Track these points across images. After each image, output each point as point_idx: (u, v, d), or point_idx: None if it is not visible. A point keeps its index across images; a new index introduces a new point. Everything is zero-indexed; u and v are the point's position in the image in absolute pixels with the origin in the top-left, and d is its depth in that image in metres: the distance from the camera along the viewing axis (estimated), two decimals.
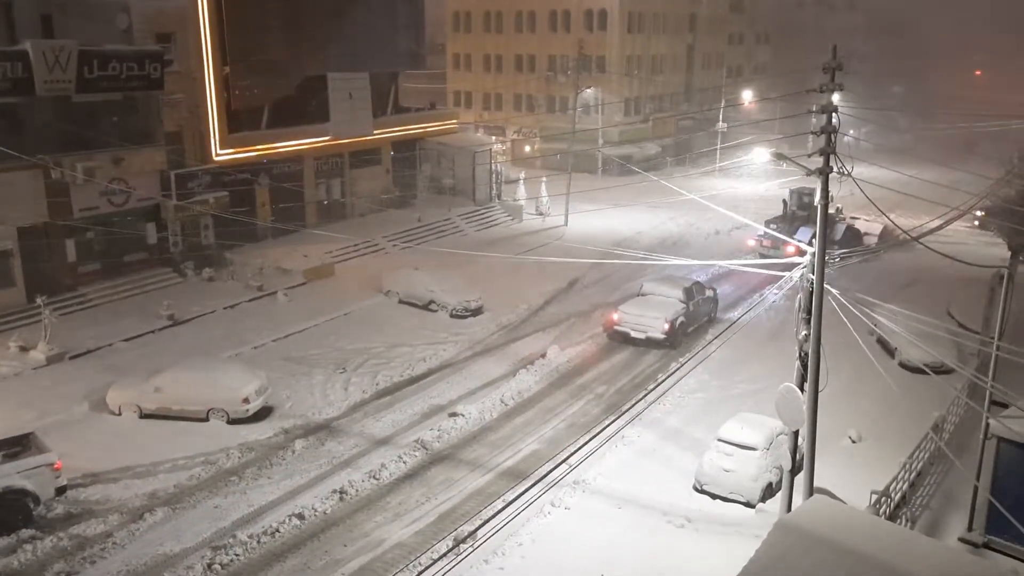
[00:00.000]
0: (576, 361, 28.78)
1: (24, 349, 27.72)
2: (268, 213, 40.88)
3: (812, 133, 17.97)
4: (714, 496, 20.16)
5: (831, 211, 39.53)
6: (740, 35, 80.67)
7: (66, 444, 21.40)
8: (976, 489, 18.21)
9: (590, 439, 22.81)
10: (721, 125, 64.32)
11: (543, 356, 28.78)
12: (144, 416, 23.78)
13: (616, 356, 29.39)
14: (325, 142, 43.31)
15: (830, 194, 16.24)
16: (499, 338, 30.98)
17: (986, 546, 18.11)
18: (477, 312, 33.04)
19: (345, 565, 17.66)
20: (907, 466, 19.89)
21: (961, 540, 18.36)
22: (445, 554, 17.76)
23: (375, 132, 46.14)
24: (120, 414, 23.94)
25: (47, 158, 30.36)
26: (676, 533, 18.83)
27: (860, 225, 43.44)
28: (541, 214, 49.03)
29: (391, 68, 48.32)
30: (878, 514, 17.46)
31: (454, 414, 24.47)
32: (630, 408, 24.35)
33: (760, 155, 60.28)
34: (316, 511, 19.49)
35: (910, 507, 19.56)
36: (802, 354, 16.57)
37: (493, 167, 51.90)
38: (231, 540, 18.25)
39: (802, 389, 16.53)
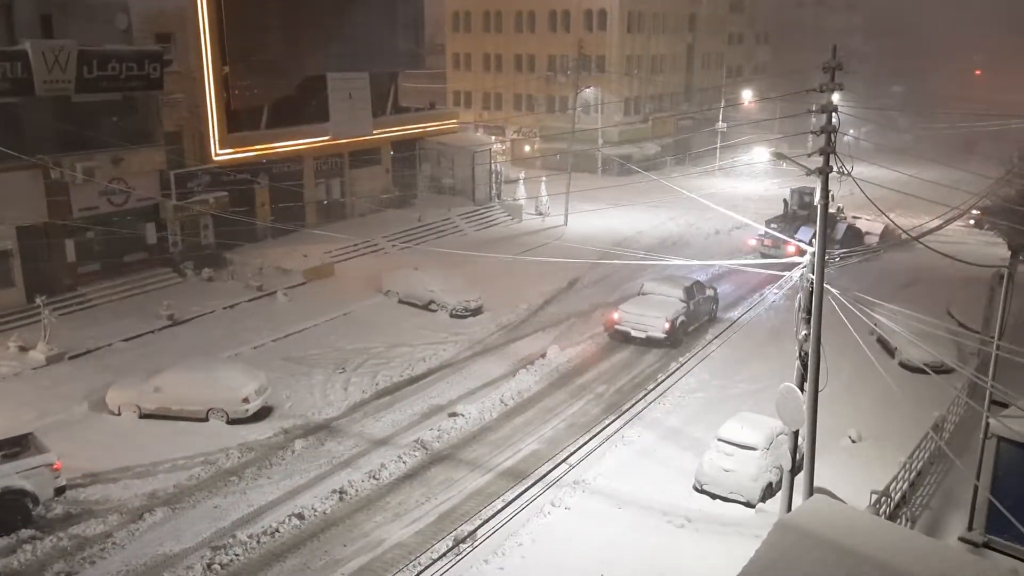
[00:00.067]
0: (576, 361, 28.77)
1: (24, 349, 27.71)
2: (268, 213, 40.87)
3: (812, 133, 17.99)
4: (714, 496, 20.15)
5: (832, 211, 39.72)
6: (740, 35, 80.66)
7: (66, 444, 21.38)
8: (976, 489, 18.20)
9: (590, 439, 22.77)
10: (721, 125, 64.32)
11: (543, 356, 28.77)
12: (144, 416, 23.78)
13: (616, 356, 29.38)
14: (325, 142, 43.30)
15: (831, 194, 16.23)
16: (499, 338, 30.97)
17: (986, 546, 18.10)
18: (477, 312, 33.03)
19: (345, 565, 17.65)
20: (907, 466, 19.88)
21: (961, 540, 18.35)
22: (445, 554, 17.73)
23: (375, 132, 46.13)
24: (120, 414, 23.94)
25: (47, 158, 30.36)
26: (676, 533, 18.83)
27: (861, 225, 43.44)
28: (541, 214, 49.01)
29: (391, 68, 48.31)
30: (878, 514, 17.45)
31: (454, 414, 24.46)
32: (630, 408, 24.32)
33: (760, 155, 60.27)
34: (316, 511, 19.48)
35: (910, 507, 19.55)
36: (802, 354, 16.56)
37: (493, 167, 51.90)
38: (231, 540, 18.24)
39: (802, 389, 16.52)
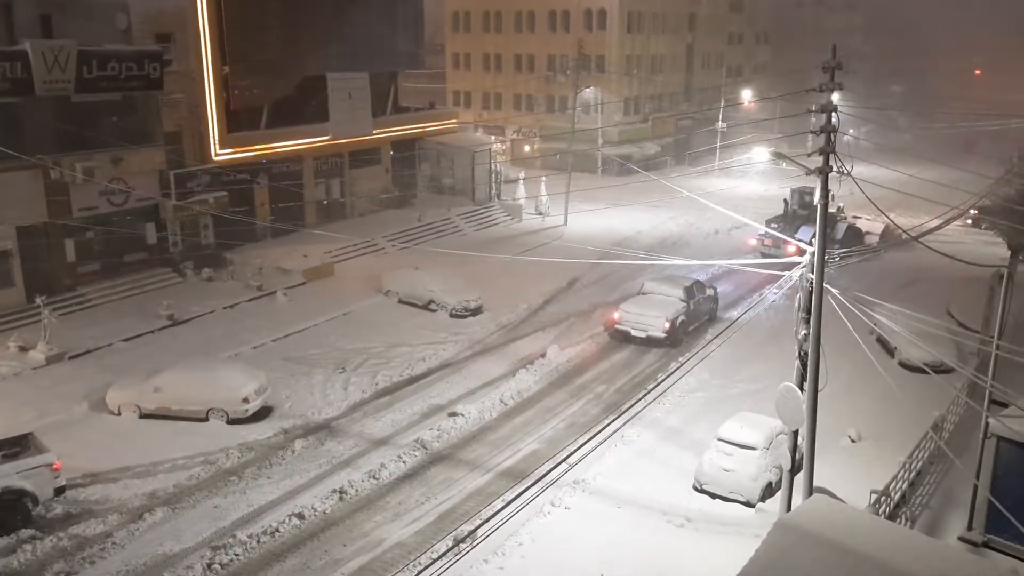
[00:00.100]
0: (576, 361, 28.77)
1: (23, 349, 27.72)
2: (267, 213, 40.87)
3: (812, 132, 17.98)
4: (714, 496, 20.16)
5: (832, 210, 39.77)
6: (740, 35, 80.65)
7: (65, 444, 21.39)
8: (976, 488, 18.21)
9: (590, 439, 22.78)
10: (721, 125, 64.32)
11: (543, 356, 28.77)
12: (144, 416, 23.78)
13: (616, 355, 29.38)
14: (324, 142, 43.30)
15: (831, 193, 16.21)
16: (499, 338, 30.97)
17: (986, 545, 18.11)
18: (477, 312, 33.03)
19: (345, 565, 17.66)
20: (907, 465, 19.88)
21: (961, 539, 18.35)
22: (445, 554, 17.73)
23: (374, 132, 46.13)
24: (120, 414, 23.94)
25: (46, 158, 30.35)
26: (676, 533, 18.83)
27: (862, 224, 43.46)
28: (541, 214, 49.01)
29: (390, 68, 48.32)
30: (878, 513, 17.46)
31: (454, 414, 24.47)
32: (630, 407, 24.31)
33: (760, 154, 60.27)
34: (316, 511, 19.48)
35: (910, 506, 19.56)
36: (802, 353, 16.56)
37: (492, 167, 51.90)
38: (231, 540, 18.24)
39: (802, 388, 16.51)
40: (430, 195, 50.25)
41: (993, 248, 36.50)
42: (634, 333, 29.75)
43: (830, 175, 15.79)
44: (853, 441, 22.75)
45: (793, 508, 16.37)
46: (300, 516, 19.22)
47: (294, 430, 23.46)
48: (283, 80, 41.52)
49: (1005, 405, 18.49)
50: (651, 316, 29.56)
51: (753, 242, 41.78)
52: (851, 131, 45.33)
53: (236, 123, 39.29)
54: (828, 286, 16.31)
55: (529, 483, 20.46)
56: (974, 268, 23.23)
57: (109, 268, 34.37)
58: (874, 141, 52.83)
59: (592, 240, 42.08)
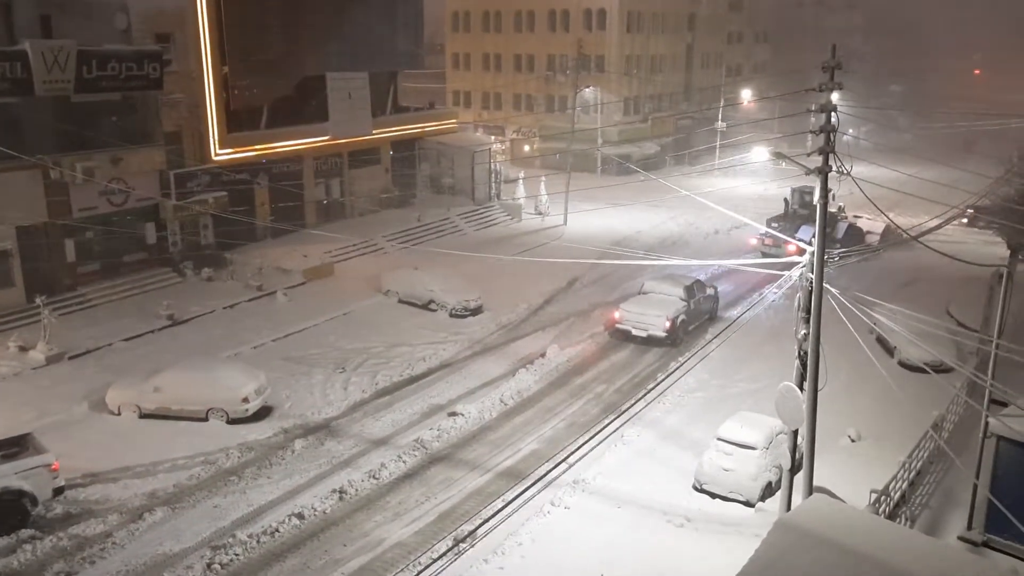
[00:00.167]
0: (576, 360, 28.77)
1: (23, 349, 27.72)
2: (267, 213, 40.88)
3: (811, 132, 17.98)
4: (714, 495, 20.16)
5: (833, 210, 39.79)
6: (739, 34, 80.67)
7: (65, 444, 21.40)
8: (975, 488, 18.21)
9: (590, 438, 22.80)
10: (720, 124, 64.34)
11: (543, 355, 28.77)
12: (143, 416, 23.78)
13: (616, 355, 29.38)
14: (324, 142, 43.30)
15: (832, 193, 16.21)
16: (499, 337, 30.98)
17: (985, 545, 18.11)
18: (476, 311, 33.04)
19: (345, 565, 17.66)
20: (906, 465, 19.87)
21: (960, 539, 18.36)
22: (445, 553, 17.75)
23: (374, 132, 46.14)
24: (119, 414, 23.94)
25: (46, 158, 30.35)
26: (676, 532, 18.83)
27: (863, 224, 43.46)
28: (540, 213, 49.03)
29: (390, 68, 48.32)
30: (877, 513, 17.46)
31: (453, 414, 24.47)
32: (630, 407, 24.34)
33: (759, 154, 60.27)
34: (316, 511, 19.48)
35: (909, 506, 19.56)
36: (801, 353, 16.56)
37: (492, 166, 51.91)
38: (231, 540, 18.24)
39: (801, 388, 16.52)
40: (430, 195, 50.26)
41: (993, 248, 36.51)
42: (635, 332, 29.76)
43: (830, 175, 15.79)
44: (853, 441, 22.75)
45: (793, 508, 16.37)
46: (300, 516, 19.22)
47: (294, 430, 23.46)
48: (283, 80, 41.53)
49: (1005, 404, 18.49)
50: (652, 315, 29.57)
51: (753, 241, 41.80)
52: (851, 131, 45.37)
53: (236, 123, 39.29)
54: (828, 286, 16.31)
55: (529, 483, 20.51)
56: (974, 268, 23.22)
57: (109, 268, 34.38)
58: (874, 141, 52.85)
59: (592, 240, 42.09)
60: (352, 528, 18.98)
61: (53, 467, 18.98)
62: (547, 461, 21.60)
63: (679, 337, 29.80)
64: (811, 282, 16.06)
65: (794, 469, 17.71)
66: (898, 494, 19.22)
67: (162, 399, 23.58)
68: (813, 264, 15.97)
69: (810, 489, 16.73)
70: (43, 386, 25.79)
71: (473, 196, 50.02)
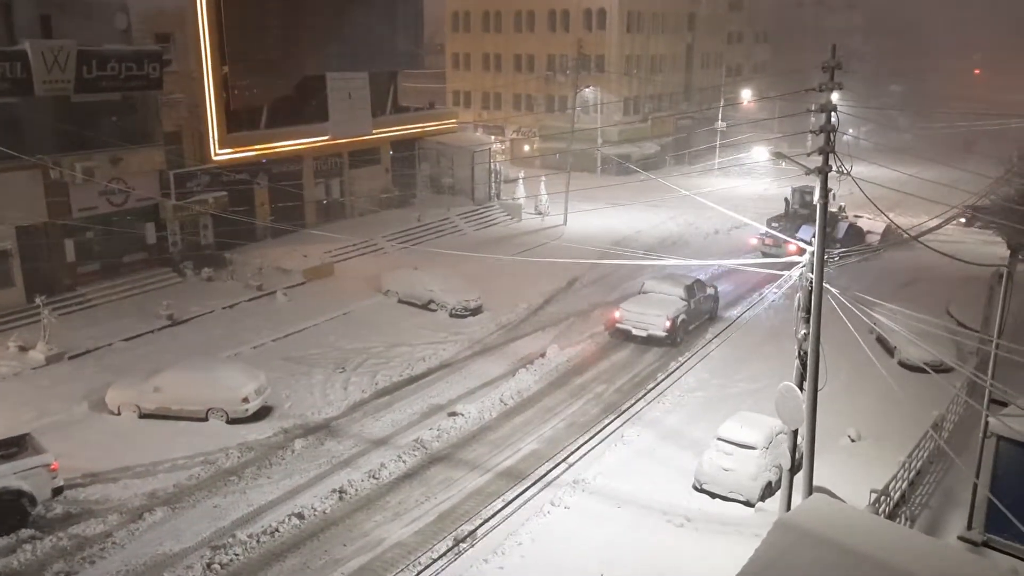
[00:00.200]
0: (575, 360, 28.77)
1: (23, 349, 27.71)
2: (267, 213, 40.88)
3: (811, 132, 17.98)
4: (713, 495, 20.16)
5: (834, 210, 39.80)
6: (739, 34, 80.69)
7: (65, 444, 21.41)
8: (975, 487, 18.20)
9: (589, 438, 22.79)
10: (720, 124, 64.37)
11: (542, 355, 28.77)
12: (143, 416, 23.78)
13: (615, 355, 29.38)
14: (324, 142, 43.30)
15: (832, 193, 16.20)
16: (498, 337, 30.98)
17: (985, 544, 18.11)
18: (476, 311, 33.04)
19: (345, 564, 17.66)
20: (906, 465, 19.87)
21: (960, 539, 18.35)
22: (445, 553, 17.75)
23: (374, 132, 46.14)
24: (119, 414, 23.93)
25: (46, 158, 30.35)
26: (676, 532, 18.83)
27: (863, 224, 43.47)
28: (540, 213, 49.03)
29: (390, 68, 48.32)
30: (877, 513, 17.45)
31: (453, 414, 24.47)
32: (630, 407, 24.33)
33: (759, 154, 60.28)
34: (315, 511, 19.48)
35: (909, 506, 19.55)
36: (801, 353, 16.56)
37: (492, 166, 51.91)
38: (230, 540, 18.24)
39: (801, 388, 16.51)
40: (430, 195, 50.25)
41: (992, 248, 36.51)
42: (635, 332, 29.77)
43: (830, 174, 15.79)
44: (853, 440, 22.75)
45: (793, 507, 16.37)
46: (300, 516, 19.22)
47: (294, 430, 23.46)
48: (283, 80, 41.52)
49: (1005, 404, 18.48)
50: (652, 315, 29.58)
51: (754, 241, 41.81)
52: (851, 131, 45.35)
53: (236, 123, 39.29)
54: (828, 285, 16.31)
55: (529, 483, 20.50)
56: (974, 267, 23.23)
57: (109, 268, 34.38)
58: (874, 141, 52.85)
59: (592, 240, 42.09)
60: (352, 528, 18.98)
61: (52, 467, 18.98)
62: (547, 461, 21.60)
63: (679, 337, 29.80)
64: (811, 282, 16.06)
65: (794, 469, 17.71)
66: (898, 494, 19.21)
67: (162, 399, 23.58)
68: (813, 264, 15.97)
69: (810, 489, 16.73)
70: (43, 386, 25.79)
71: (473, 196, 50.02)
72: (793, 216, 42.54)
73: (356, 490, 20.37)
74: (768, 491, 19.96)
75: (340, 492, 20.19)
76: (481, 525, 18.74)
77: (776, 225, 40.48)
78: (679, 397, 25.58)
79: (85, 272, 33.61)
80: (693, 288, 31.12)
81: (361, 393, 25.86)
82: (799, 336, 16.47)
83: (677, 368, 26.17)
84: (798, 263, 16.70)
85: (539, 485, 20.38)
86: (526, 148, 66.90)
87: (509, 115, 68.78)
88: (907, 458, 20.04)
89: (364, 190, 46.38)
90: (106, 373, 26.18)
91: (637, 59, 66.34)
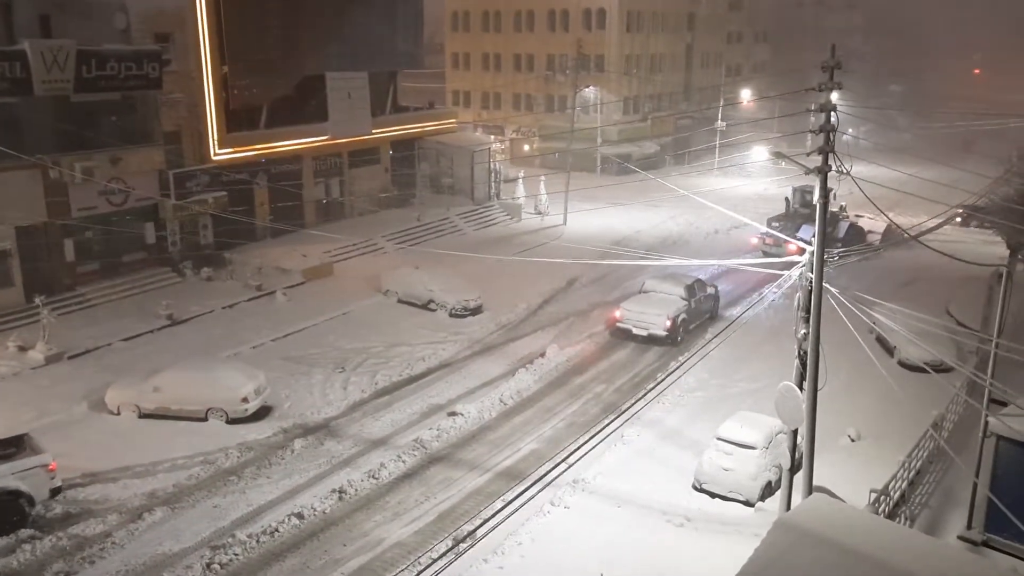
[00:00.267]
0: (575, 360, 28.76)
1: (23, 349, 27.70)
2: (267, 213, 40.87)
3: (811, 131, 17.98)
4: (713, 495, 20.15)
5: (835, 209, 39.80)
6: (739, 34, 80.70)
7: (65, 444, 21.41)
8: (975, 487, 18.20)
9: (589, 438, 22.78)
10: (720, 124, 64.38)
11: (542, 355, 28.76)
12: (143, 416, 23.76)
13: (615, 355, 29.38)
14: (324, 142, 43.29)
15: (833, 192, 16.20)
16: (498, 337, 30.97)
17: (985, 544, 18.11)
18: (476, 311, 33.03)
19: (344, 564, 17.65)
20: (906, 464, 19.86)
21: (960, 538, 18.35)
22: (444, 553, 17.74)
23: (374, 131, 46.13)
24: (119, 414, 23.92)
25: (45, 158, 30.33)
26: (675, 532, 18.82)
27: (864, 223, 43.46)
28: (540, 213, 49.02)
29: (390, 67, 48.30)
30: (877, 512, 17.45)
31: (453, 413, 24.46)
32: (629, 407, 24.32)
33: (759, 153, 60.28)
34: (315, 510, 19.47)
35: (909, 505, 19.55)
36: (801, 353, 16.55)
37: (492, 166, 51.89)
38: (230, 540, 18.23)
39: (801, 388, 16.51)
40: (429, 195, 50.23)
41: (992, 247, 36.52)
42: (635, 331, 29.77)
43: (829, 174, 15.78)
44: (852, 440, 22.75)
45: (792, 507, 16.37)
46: (299, 516, 19.21)
47: (293, 430, 23.45)
48: (282, 80, 41.48)
49: (1004, 404, 18.49)
50: (652, 314, 29.58)
51: (755, 241, 41.82)
52: (850, 130, 45.35)
53: (235, 123, 39.27)
54: (827, 285, 16.30)
55: (529, 483, 20.49)
56: (973, 267, 23.23)
57: (108, 268, 34.36)
58: (873, 140, 52.84)
59: (591, 239, 42.09)
60: (352, 528, 18.97)
61: (50, 467, 18.96)
62: (547, 461, 21.59)
63: (680, 336, 29.80)
64: (811, 281, 16.05)
65: (794, 469, 17.71)
66: (898, 493, 19.21)
67: (161, 399, 23.56)
68: (813, 263, 15.97)
69: (810, 489, 16.73)
70: (42, 386, 25.77)
71: (472, 196, 50.00)
72: (794, 216, 42.54)
73: (356, 490, 20.36)
74: (768, 491, 19.96)
75: (340, 492, 20.18)
76: (481, 525, 18.73)
77: (777, 225, 40.49)
78: (679, 397, 25.57)
79: (84, 272, 33.59)
80: (694, 287, 31.13)
81: (361, 393, 25.85)
82: (799, 336, 16.47)
83: (677, 368, 26.16)
84: (798, 263, 16.69)
85: (539, 485, 20.37)
86: (526, 148, 66.90)
87: (509, 115, 68.77)
88: (907, 458, 20.04)
89: (364, 190, 46.36)
90: (106, 373, 26.16)
91: (637, 59, 66.34)
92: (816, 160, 15.83)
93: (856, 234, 42.08)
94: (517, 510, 19.43)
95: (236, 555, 17.79)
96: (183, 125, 37.05)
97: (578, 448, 22.13)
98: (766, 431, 20.30)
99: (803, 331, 16.34)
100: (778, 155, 19.65)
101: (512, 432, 23.64)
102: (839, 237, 40.32)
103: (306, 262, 37.35)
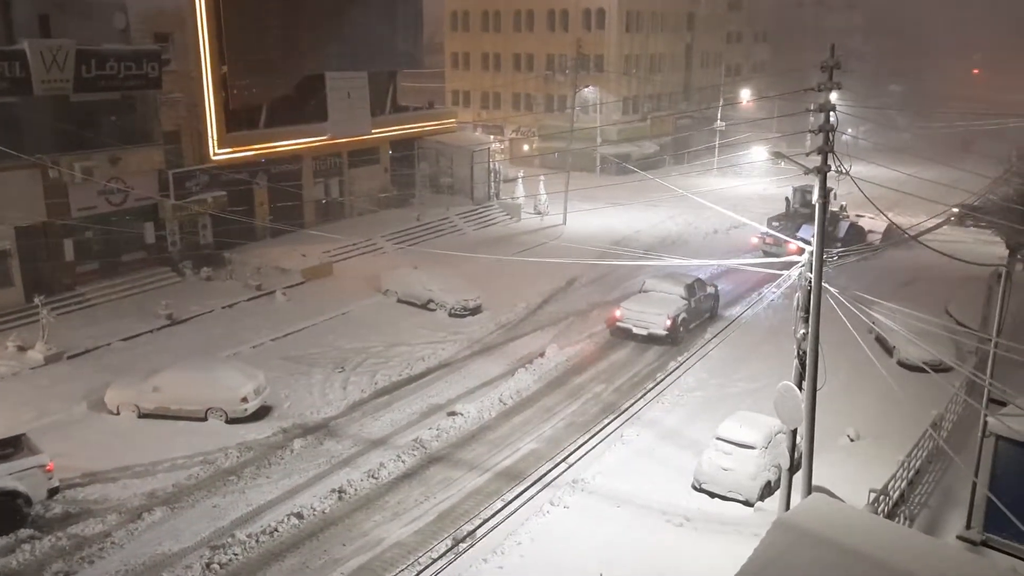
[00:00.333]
0: (575, 360, 28.77)
1: (22, 349, 27.70)
2: (266, 212, 40.87)
3: (810, 131, 17.97)
4: (713, 495, 20.16)
5: (835, 209, 39.81)
6: (738, 34, 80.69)
7: (64, 444, 21.41)
8: (974, 487, 18.21)
9: (589, 438, 22.79)
10: (719, 124, 64.38)
11: (542, 355, 28.76)
12: (142, 416, 23.76)
13: (615, 354, 29.38)
14: (323, 141, 43.28)
15: (833, 192, 16.19)
16: (498, 337, 30.97)
17: (984, 544, 18.12)
18: (476, 311, 33.03)
19: (344, 564, 17.65)
20: (905, 464, 19.87)
21: (959, 538, 18.36)
22: (444, 553, 17.74)
23: (373, 131, 46.13)
24: (118, 414, 23.92)
25: (45, 158, 30.33)
26: (675, 532, 18.83)
27: (865, 223, 43.46)
28: (539, 213, 49.02)
29: (389, 67, 48.31)
30: (876, 512, 17.45)
31: (453, 413, 24.46)
32: (629, 407, 24.32)
33: (759, 153, 60.29)
34: (315, 510, 19.47)
35: (908, 505, 19.56)
36: (800, 352, 16.55)
37: (491, 166, 51.89)
38: (230, 539, 18.23)
39: (800, 387, 16.51)
40: (429, 194, 50.23)
41: (991, 247, 36.54)
42: (635, 331, 29.77)
43: (829, 174, 15.79)
44: (852, 440, 22.75)
45: (792, 507, 16.36)
46: (299, 516, 19.21)
47: (293, 429, 23.45)
48: (282, 80, 41.48)
49: (1004, 404, 18.50)
50: (652, 314, 29.59)
51: (755, 240, 41.83)
52: (850, 130, 45.38)
53: (235, 122, 39.26)
54: (827, 285, 16.31)
55: (528, 482, 20.49)
56: (973, 267, 23.25)
57: (108, 268, 34.36)
58: (873, 140, 52.86)
59: (591, 239, 42.09)
60: (351, 528, 18.97)
61: (47, 468, 18.94)
62: (546, 461, 21.59)
63: (680, 335, 29.81)
64: (810, 281, 16.05)
65: (793, 468, 17.71)
66: (897, 493, 19.21)
67: (161, 399, 23.56)
68: (812, 263, 15.97)
69: (809, 488, 16.74)
70: (42, 386, 25.77)
71: (472, 196, 50.01)
72: (794, 215, 42.55)
73: (355, 490, 20.36)
74: (767, 491, 19.96)
75: (339, 492, 20.18)
76: (480, 525, 18.73)
77: (777, 224, 40.49)
78: (678, 397, 25.58)
79: (84, 272, 33.58)
80: (693, 287, 31.14)
81: (360, 393, 25.85)
82: (798, 335, 16.47)
83: (676, 368, 26.17)
84: (797, 262, 16.70)
85: (538, 485, 20.37)
86: (525, 148, 66.90)
87: (508, 115, 68.76)
88: (906, 457, 20.05)
89: (363, 190, 46.36)
90: (105, 373, 26.15)
91: (636, 59, 66.34)
92: (815, 160, 15.84)
93: (856, 234, 42.08)
94: (517, 510, 19.43)
95: (235, 555, 17.79)
96: (183, 125, 37.05)
97: (578, 448, 22.14)
98: (765, 431, 20.30)
99: (802, 331, 16.34)
100: (777, 155, 19.65)
101: (512, 432, 23.64)
102: (839, 237, 40.34)
103: (306, 262, 37.35)
